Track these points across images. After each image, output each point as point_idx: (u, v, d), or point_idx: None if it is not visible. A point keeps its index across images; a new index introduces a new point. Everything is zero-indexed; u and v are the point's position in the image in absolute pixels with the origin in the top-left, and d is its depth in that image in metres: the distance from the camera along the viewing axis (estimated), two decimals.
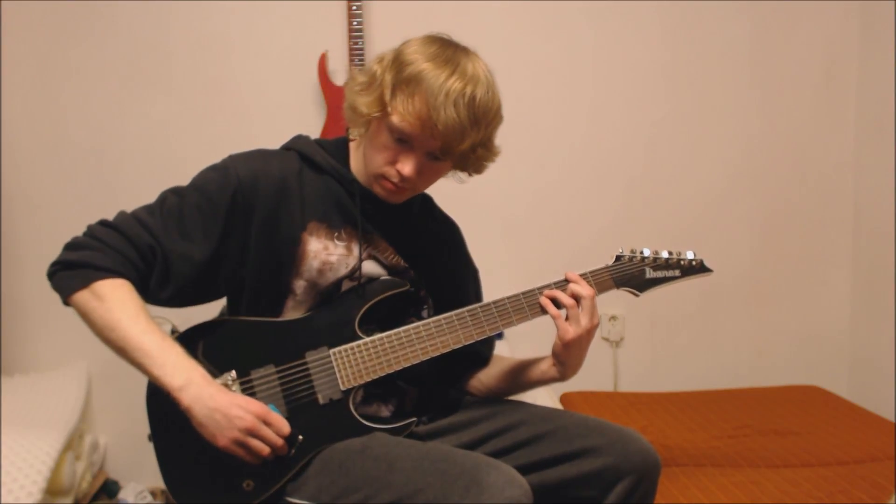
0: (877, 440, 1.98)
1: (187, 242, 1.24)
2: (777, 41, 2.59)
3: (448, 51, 1.21)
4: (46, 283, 2.47)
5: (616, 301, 2.58)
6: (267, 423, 1.14)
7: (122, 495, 2.29)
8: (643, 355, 2.64)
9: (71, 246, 1.23)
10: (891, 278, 2.46)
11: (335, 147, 1.36)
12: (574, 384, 2.43)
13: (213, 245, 1.25)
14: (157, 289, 1.25)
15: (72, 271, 1.20)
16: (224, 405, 1.13)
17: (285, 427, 1.16)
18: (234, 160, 1.29)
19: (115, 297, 1.17)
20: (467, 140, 1.20)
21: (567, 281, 1.33)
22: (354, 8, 2.30)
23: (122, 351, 1.16)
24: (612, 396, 2.42)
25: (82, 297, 1.18)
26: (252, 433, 1.13)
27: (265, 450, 1.14)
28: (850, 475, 1.75)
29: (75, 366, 2.32)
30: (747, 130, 2.61)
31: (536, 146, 2.54)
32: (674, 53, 2.56)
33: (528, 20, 2.49)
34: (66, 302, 1.21)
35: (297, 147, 1.35)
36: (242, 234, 1.27)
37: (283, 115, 2.38)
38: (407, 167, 1.22)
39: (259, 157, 1.31)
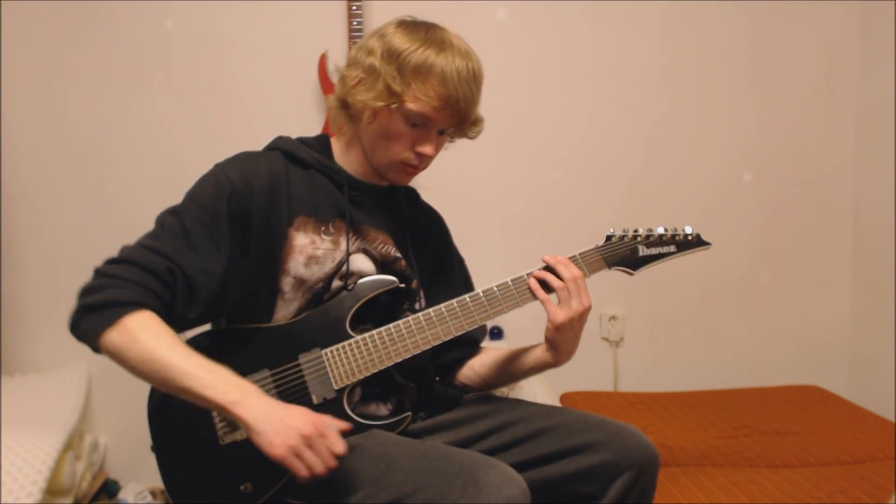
0: (877, 440, 1.98)
1: (202, 257, 1.22)
2: (777, 41, 2.58)
3: (432, 32, 1.28)
4: (46, 283, 2.49)
5: (616, 301, 2.59)
6: (323, 437, 1.09)
7: (122, 495, 2.29)
8: (643, 355, 2.64)
9: (86, 291, 1.18)
10: (891, 278, 2.46)
11: (317, 142, 1.38)
12: (574, 384, 2.47)
13: (226, 253, 1.24)
14: (183, 311, 1.22)
15: (96, 314, 1.15)
16: (281, 413, 1.10)
17: (339, 446, 1.10)
18: (221, 167, 1.29)
19: (146, 330, 1.14)
20: (476, 109, 1.31)
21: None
22: (354, 8, 2.30)
23: (165, 381, 1.12)
24: (612, 396, 2.42)
25: (112, 337, 1.13)
26: (308, 443, 1.08)
27: (318, 466, 1.08)
28: (850, 475, 1.75)
29: (75, 366, 2.32)
30: (747, 130, 2.61)
31: (537, 146, 2.54)
32: (674, 53, 2.56)
33: (528, 20, 2.49)
34: (97, 347, 1.16)
35: (281, 146, 1.36)
36: (242, 238, 1.27)
37: (283, 115, 2.38)
38: (428, 148, 1.29)
39: (246, 158, 1.32)
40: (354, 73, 1.29)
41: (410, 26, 1.30)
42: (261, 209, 1.27)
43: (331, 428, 1.10)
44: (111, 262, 1.21)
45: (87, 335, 1.16)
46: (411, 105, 1.25)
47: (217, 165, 1.30)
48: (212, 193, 1.25)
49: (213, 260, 1.23)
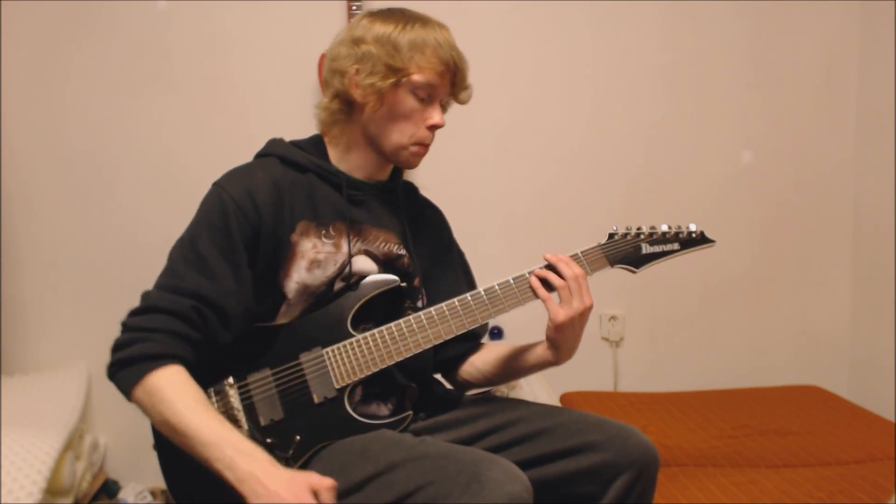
0: (877, 440, 1.98)
1: (224, 281, 1.22)
2: (777, 41, 2.59)
3: (407, 13, 1.32)
4: (46, 284, 2.49)
5: (616, 301, 2.59)
6: None
7: (122, 495, 2.29)
8: (643, 355, 2.64)
9: (117, 346, 1.21)
10: (891, 278, 2.46)
11: (311, 144, 1.37)
12: (574, 384, 2.47)
13: (245, 270, 1.24)
14: (216, 339, 1.23)
15: (126, 370, 1.19)
16: (272, 491, 1.09)
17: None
18: (220, 186, 1.27)
19: (167, 390, 1.16)
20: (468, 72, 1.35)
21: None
22: (354, 8, 2.31)
23: (182, 445, 1.15)
24: (612, 396, 2.42)
25: (138, 395, 1.18)
26: None
27: None
28: (850, 475, 1.75)
29: (75, 366, 2.32)
30: (747, 130, 2.61)
31: (537, 146, 2.54)
32: (674, 54, 2.56)
33: (528, 20, 2.50)
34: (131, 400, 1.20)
35: (275, 152, 1.35)
36: (252, 252, 1.26)
37: (283, 115, 2.38)
38: (437, 116, 1.32)
39: (244, 173, 1.30)
40: (348, 64, 1.29)
41: (383, 13, 1.33)
42: (267, 222, 1.26)
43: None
44: (135, 312, 1.22)
45: (121, 391, 1.20)
46: (417, 77, 1.28)
47: (216, 185, 1.28)
48: (218, 214, 1.24)
49: (234, 282, 1.23)
